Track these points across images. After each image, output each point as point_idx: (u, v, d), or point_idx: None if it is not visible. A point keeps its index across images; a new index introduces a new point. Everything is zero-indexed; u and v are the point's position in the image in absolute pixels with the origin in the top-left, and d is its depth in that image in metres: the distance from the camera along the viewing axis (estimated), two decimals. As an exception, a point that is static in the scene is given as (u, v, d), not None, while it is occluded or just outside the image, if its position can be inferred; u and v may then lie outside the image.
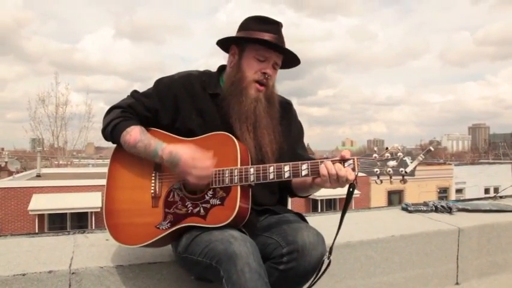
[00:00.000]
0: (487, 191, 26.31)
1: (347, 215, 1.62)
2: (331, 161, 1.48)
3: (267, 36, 1.65)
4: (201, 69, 1.84)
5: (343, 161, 1.48)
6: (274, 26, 1.69)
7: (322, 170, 1.47)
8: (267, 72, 1.67)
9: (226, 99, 1.69)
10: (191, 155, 1.53)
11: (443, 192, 25.55)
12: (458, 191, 26.42)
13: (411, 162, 1.41)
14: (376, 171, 1.44)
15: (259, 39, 1.66)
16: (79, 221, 16.40)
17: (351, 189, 1.51)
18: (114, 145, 1.74)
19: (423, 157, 1.40)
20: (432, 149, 1.43)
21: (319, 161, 1.50)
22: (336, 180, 1.46)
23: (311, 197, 19.70)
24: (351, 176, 1.45)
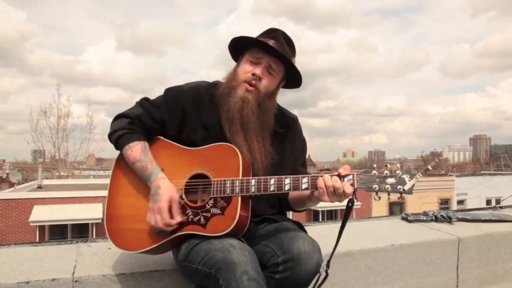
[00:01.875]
0: (488, 202, 26.18)
1: (347, 224, 1.64)
2: (330, 175, 1.50)
3: (266, 41, 1.66)
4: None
5: (342, 176, 1.49)
6: (275, 33, 1.71)
7: (320, 182, 1.49)
8: (255, 73, 1.67)
9: (219, 102, 1.71)
10: (167, 206, 1.55)
11: (444, 203, 25.43)
12: (460, 202, 26.30)
13: (409, 180, 1.43)
14: (375, 187, 1.46)
15: (251, 39, 1.68)
16: (80, 233, 16.33)
17: (350, 204, 1.53)
18: (117, 155, 1.77)
19: (421, 175, 1.41)
20: (430, 167, 1.46)
21: (319, 175, 1.52)
22: (333, 193, 1.48)
23: (312, 208, 19.64)
24: (348, 189, 1.46)
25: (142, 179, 1.65)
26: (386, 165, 1.48)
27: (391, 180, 1.45)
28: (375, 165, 1.49)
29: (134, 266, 1.82)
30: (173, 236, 1.59)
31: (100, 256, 1.97)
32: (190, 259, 1.54)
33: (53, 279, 1.67)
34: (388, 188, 1.45)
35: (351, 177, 1.48)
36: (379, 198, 1.48)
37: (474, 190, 26.46)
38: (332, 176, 1.49)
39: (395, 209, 23.27)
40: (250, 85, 1.68)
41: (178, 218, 1.57)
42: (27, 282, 1.63)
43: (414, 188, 1.44)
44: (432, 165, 1.45)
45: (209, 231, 1.55)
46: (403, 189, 1.44)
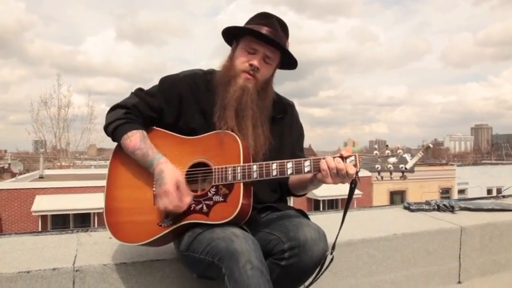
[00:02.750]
0: (489, 191, 26.26)
1: (349, 213, 1.63)
2: (332, 157, 1.50)
3: (259, 29, 1.63)
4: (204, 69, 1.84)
5: (345, 158, 1.49)
6: (270, 20, 1.67)
7: (323, 164, 1.49)
8: (253, 64, 1.65)
9: (216, 90, 1.69)
10: (174, 188, 1.54)
11: (445, 192, 25.50)
12: (461, 191, 26.37)
13: (411, 159, 1.46)
14: (377, 167, 1.47)
15: (246, 29, 1.66)
16: (82, 222, 16.44)
17: (353, 185, 1.54)
18: (115, 145, 1.75)
19: (422, 154, 1.44)
20: (431, 145, 1.46)
21: (321, 158, 1.52)
22: (336, 174, 1.48)
23: (313, 197, 19.70)
24: (351, 169, 1.47)
25: (144, 167, 1.63)
26: (387, 146, 1.50)
27: (392, 160, 1.47)
28: (376, 147, 1.50)
29: (135, 255, 1.81)
30: (176, 225, 1.58)
31: (101, 245, 1.96)
32: (193, 248, 1.53)
33: (54, 269, 1.66)
34: (390, 167, 1.47)
35: (353, 158, 1.48)
36: (382, 178, 1.49)
37: (475, 179, 26.51)
38: (334, 157, 1.49)
39: (396, 198, 23.34)
40: (249, 74, 1.67)
41: (187, 198, 1.55)
42: (28, 272, 1.63)
43: (415, 167, 1.46)
44: (433, 143, 1.46)
45: (212, 219, 1.53)
46: (405, 168, 1.46)
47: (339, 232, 1.63)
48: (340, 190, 19.83)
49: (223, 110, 1.65)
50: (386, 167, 1.47)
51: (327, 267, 1.59)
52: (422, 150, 1.44)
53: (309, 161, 1.52)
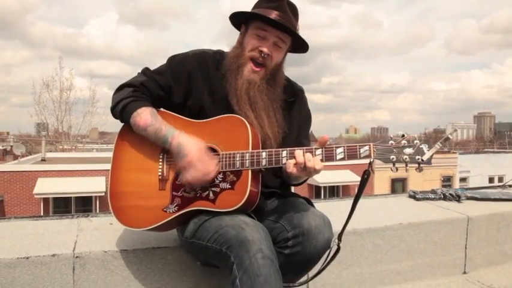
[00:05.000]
0: (491, 180, 26.21)
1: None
2: (304, 151, 1.44)
3: (269, 13, 1.57)
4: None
5: (362, 146, 1.42)
6: (280, 3, 1.60)
7: (297, 157, 1.44)
8: (263, 51, 1.59)
9: (225, 75, 1.65)
10: (198, 156, 1.49)
11: (447, 180, 25.48)
12: (463, 179, 26.33)
13: (428, 150, 1.37)
14: (392, 158, 1.40)
15: (255, 14, 1.60)
16: (84, 205, 16.52)
17: (365, 176, 1.48)
18: (119, 128, 1.70)
19: (440, 145, 1.35)
20: (451, 137, 1.38)
21: (313, 148, 1.46)
22: (304, 169, 1.43)
23: (314, 183, 19.72)
24: (318, 166, 1.41)
25: (157, 143, 1.57)
26: (403, 135, 1.41)
27: (409, 151, 1.39)
28: (391, 136, 1.42)
29: (136, 242, 1.77)
30: (181, 212, 1.54)
31: (101, 231, 1.92)
32: (199, 236, 1.49)
33: (53, 255, 1.63)
34: (406, 158, 1.39)
35: (367, 147, 1.41)
36: (397, 169, 1.42)
37: (477, 168, 26.42)
38: (305, 152, 1.44)
39: (398, 185, 23.35)
40: (257, 64, 1.61)
41: (213, 163, 1.50)
42: (27, 258, 1.60)
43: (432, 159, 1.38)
44: (453, 134, 1.38)
45: (219, 206, 1.49)
46: (422, 160, 1.38)
47: (346, 223, 1.58)
48: (342, 177, 19.86)
49: (240, 103, 1.60)
50: (402, 158, 1.38)
51: (333, 258, 1.55)
52: (441, 141, 1.36)
53: (321, 149, 1.45)
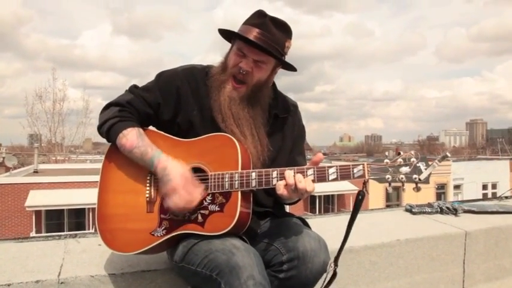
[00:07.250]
0: (485, 187, 26.30)
1: (349, 217, 1.51)
2: (294, 172, 1.39)
3: (250, 32, 1.52)
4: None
5: (355, 166, 1.36)
6: (262, 20, 1.54)
7: (288, 178, 1.38)
8: (242, 67, 1.55)
9: (210, 91, 1.61)
10: (183, 183, 1.43)
11: (441, 188, 25.51)
12: (456, 187, 26.39)
13: (425, 169, 1.32)
14: (388, 178, 1.34)
15: (235, 33, 1.56)
16: (76, 218, 16.32)
17: (360, 197, 1.43)
18: (109, 146, 1.64)
19: (438, 163, 1.30)
20: (449, 155, 1.33)
21: (305, 168, 1.40)
22: (295, 191, 1.38)
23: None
24: (310, 187, 1.37)
25: (142, 167, 1.53)
26: (399, 153, 1.35)
27: (405, 169, 1.33)
28: (387, 154, 1.37)
29: (125, 265, 1.71)
30: (169, 235, 1.48)
31: (89, 254, 1.85)
32: (188, 260, 1.43)
33: (37, 281, 1.56)
34: (402, 178, 1.33)
35: (360, 167, 1.35)
36: (393, 190, 1.36)
37: (470, 175, 26.49)
38: (296, 173, 1.38)
39: (392, 194, 23.33)
40: (238, 81, 1.57)
41: (198, 191, 1.45)
42: (9, 285, 1.52)
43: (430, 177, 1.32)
44: (450, 152, 1.34)
45: (208, 230, 1.43)
46: (419, 179, 1.32)
47: (341, 247, 1.52)
48: (337, 186, 19.81)
49: (225, 118, 1.56)
50: (398, 178, 1.33)
51: (330, 283, 1.49)
52: (438, 159, 1.31)
53: (312, 169, 1.40)
